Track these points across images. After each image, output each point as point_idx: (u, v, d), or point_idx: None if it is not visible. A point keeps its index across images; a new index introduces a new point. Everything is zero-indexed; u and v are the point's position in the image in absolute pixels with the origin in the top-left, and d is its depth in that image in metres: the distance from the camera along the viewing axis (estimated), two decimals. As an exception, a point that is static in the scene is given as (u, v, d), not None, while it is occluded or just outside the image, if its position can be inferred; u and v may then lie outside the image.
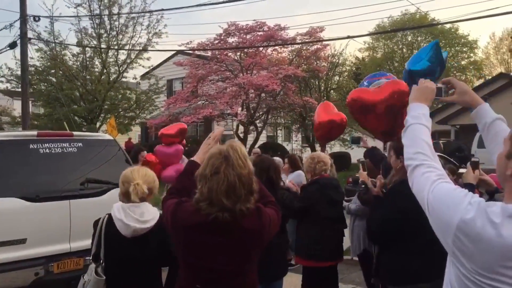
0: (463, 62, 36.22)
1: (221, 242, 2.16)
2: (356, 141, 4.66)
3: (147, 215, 2.78)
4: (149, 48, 21.84)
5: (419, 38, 34.14)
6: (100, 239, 2.85)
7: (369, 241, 4.38)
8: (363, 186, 4.09)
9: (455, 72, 36.31)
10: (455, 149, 14.21)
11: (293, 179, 7.14)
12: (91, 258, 2.89)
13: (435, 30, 32.37)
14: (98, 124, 21.59)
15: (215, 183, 2.10)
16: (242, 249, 2.21)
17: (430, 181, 1.51)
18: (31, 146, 4.70)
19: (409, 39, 34.12)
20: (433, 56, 4.49)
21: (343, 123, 6.39)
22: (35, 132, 4.97)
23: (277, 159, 8.82)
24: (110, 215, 2.84)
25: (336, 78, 26.54)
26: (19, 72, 17.64)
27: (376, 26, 35.07)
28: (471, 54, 36.00)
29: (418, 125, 1.70)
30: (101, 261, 2.82)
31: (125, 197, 2.84)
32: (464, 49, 35.55)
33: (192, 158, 2.52)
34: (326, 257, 4.36)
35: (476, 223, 1.32)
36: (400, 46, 35.47)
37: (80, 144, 5.09)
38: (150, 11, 20.76)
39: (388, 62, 35.95)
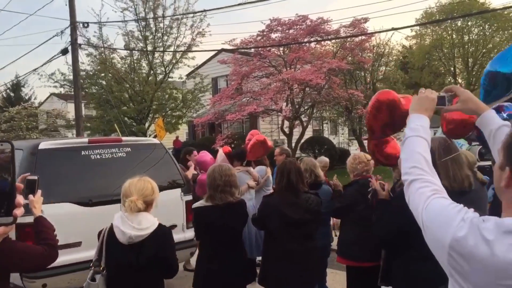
0: (518, 46, 34.38)
1: None
2: None
3: (145, 223, 2.89)
4: (194, 47, 22.24)
5: (469, 23, 32.74)
6: (102, 246, 3.00)
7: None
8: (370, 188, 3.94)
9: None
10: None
11: None
12: (91, 264, 3.06)
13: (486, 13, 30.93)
14: (147, 125, 22.21)
15: None
16: None
17: (425, 197, 1.44)
18: (83, 152, 4.92)
19: (459, 24, 32.77)
20: None
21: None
22: (86, 139, 5.18)
23: (324, 158, 8.61)
24: (112, 224, 2.98)
25: (382, 68, 25.91)
26: (71, 77, 18.38)
27: (423, 12, 34.01)
28: (527, 38, 34.12)
29: (416, 137, 1.66)
30: (102, 268, 2.96)
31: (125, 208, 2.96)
32: (519, 33, 33.78)
33: None
34: (367, 258, 4.27)
35: (469, 241, 1.24)
36: (450, 32, 34.16)
37: (128, 149, 5.27)
38: (194, 12, 21.12)
39: (437, 50, 34.74)
